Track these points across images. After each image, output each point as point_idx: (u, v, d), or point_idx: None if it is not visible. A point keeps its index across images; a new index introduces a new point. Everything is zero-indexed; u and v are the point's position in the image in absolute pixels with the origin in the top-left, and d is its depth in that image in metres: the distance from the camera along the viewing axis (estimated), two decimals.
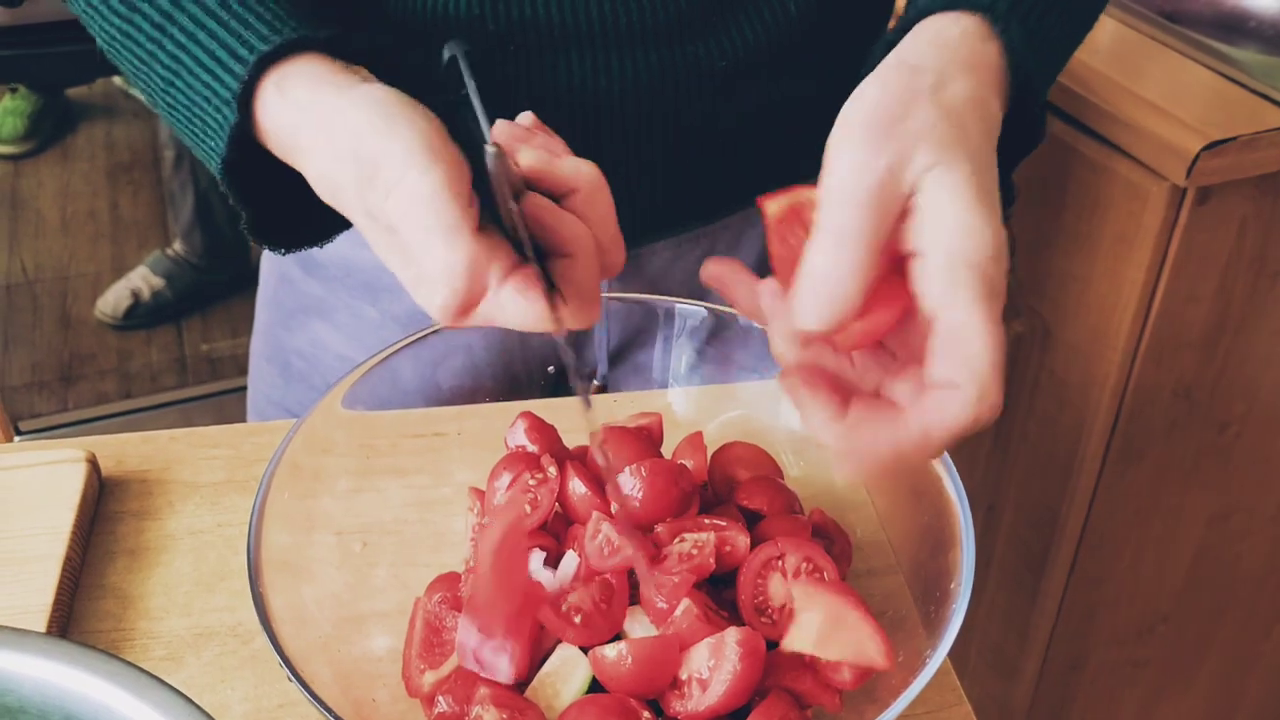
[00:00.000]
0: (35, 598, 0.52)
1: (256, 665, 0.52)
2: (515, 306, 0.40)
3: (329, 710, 0.40)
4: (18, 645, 0.38)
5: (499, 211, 0.41)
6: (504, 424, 0.57)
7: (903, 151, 0.38)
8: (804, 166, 0.54)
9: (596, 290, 0.43)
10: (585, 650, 0.45)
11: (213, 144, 0.46)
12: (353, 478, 0.61)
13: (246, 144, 0.46)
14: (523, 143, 0.43)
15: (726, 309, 0.56)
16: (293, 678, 0.41)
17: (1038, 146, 0.53)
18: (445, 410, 0.61)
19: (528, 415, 0.54)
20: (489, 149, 0.39)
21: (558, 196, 0.42)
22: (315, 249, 0.55)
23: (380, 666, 0.52)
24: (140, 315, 1.97)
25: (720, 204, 0.68)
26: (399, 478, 0.62)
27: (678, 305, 0.58)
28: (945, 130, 0.39)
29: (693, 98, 0.59)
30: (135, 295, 1.97)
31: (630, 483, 0.48)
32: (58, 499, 0.57)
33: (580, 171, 0.42)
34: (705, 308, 0.56)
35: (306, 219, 0.52)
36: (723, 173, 0.65)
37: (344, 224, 0.47)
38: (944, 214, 0.38)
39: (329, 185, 0.43)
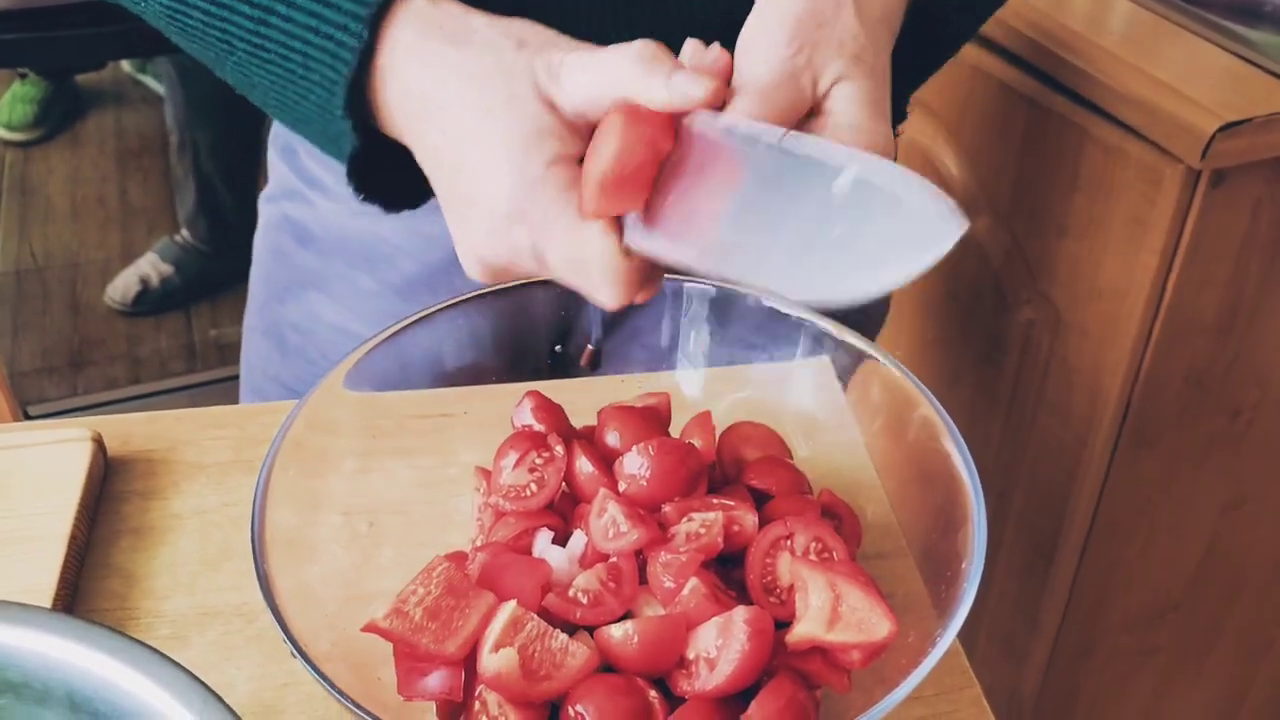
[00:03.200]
0: (41, 576, 0.52)
1: (261, 644, 0.52)
2: None
3: (334, 687, 0.40)
4: (21, 620, 0.38)
5: None
6: (510, 404, 0.56)
7: (820, 56, 0.43)
8: None
9: None
10: (592, 630, 0.45)
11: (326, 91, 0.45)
12: (358, 458, 0.61)
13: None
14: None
15: (737, 287, 0.56)
16: (297, 655, 0.41)
17: (938, 69, 0.60)
18: (451, 390, 0.61)
19: (534, 394, 0.53)
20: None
21: None
22: (310, 221, 0.54)
23: (387, 645, 0.52)
24: (149, 301, 1.97)
25: None
26: (405, 458, 0.61)
27: (685, 284, 0.57)
28: (860, 44, 0.44)
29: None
30: (144, 282, 1.97)
31: (638, 461, 0.48)
32: (63, 478, 0.57)
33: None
34: (715, 286, 0.56)
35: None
36: None
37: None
38: (846, 119, 0.43)
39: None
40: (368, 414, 0.58)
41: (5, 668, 0.37)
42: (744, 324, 0.57)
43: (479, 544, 0.51)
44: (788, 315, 0.54)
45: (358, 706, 0.40)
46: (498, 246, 0.44)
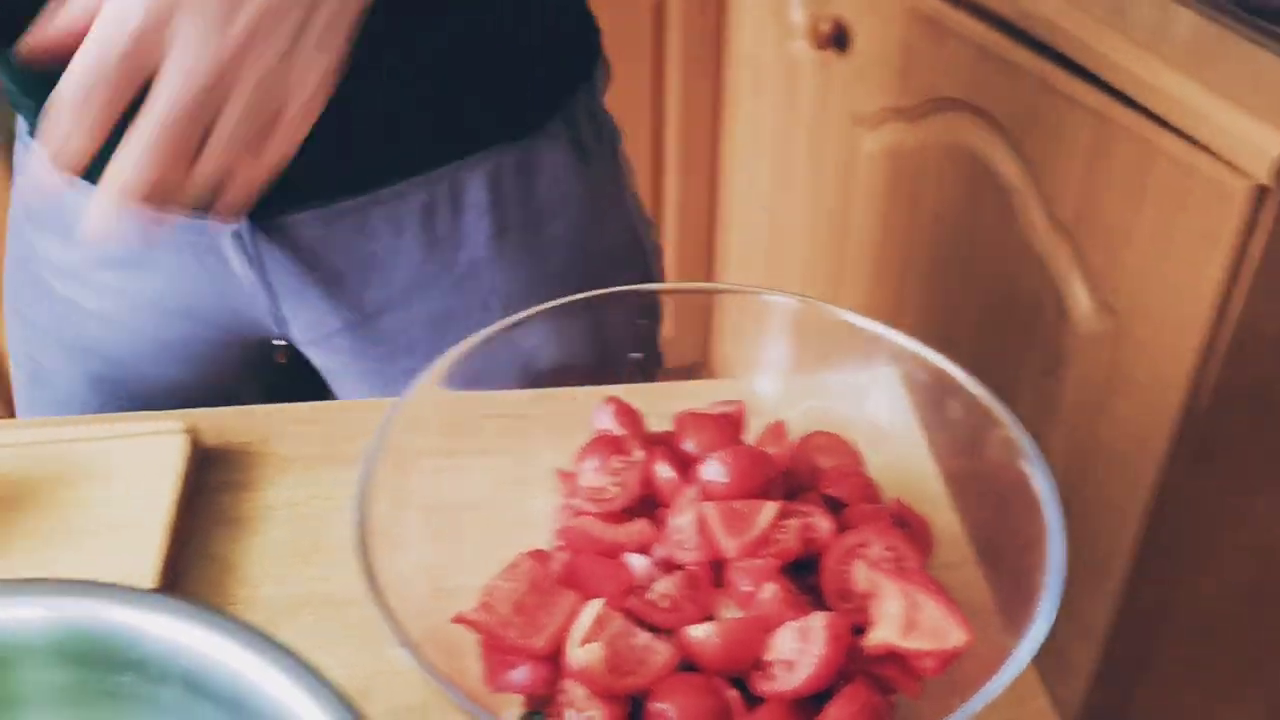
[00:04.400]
0: (143, 561, 0.55)
1: (350, 633, 0.54)
2: None
3: (438, 676, 0.42)
4: (140, 603, 0.40)
5: None
6: (588, 408, 0.58)
7: None
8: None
9: None
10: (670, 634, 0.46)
11: None
12: (439, 456, 0.63)
13: None
14: None
15: (814, 300, 0.57)
16: (402, 645, 0.43)
17: None
18: (529, 393, 0.63)
19: (614, 400, 0.55)
20: None
21: None
22: None
23: (471, 637, 0.54)
24: None
25: (376, 174, 0.69)
26: (485, 457, 0.63)
27: (761, 294, 0.59)
28: None
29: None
30: None
31: (717, 468, 0.50)
32: (160, 468, 0.59)
33: None
34: (796, 299, 0.57)
35: None
36: (380, 137, 0.67)
37: None
38: None
39: None
40: (450, 412, 0.60)
41: (128, 647, 0.40)
42: (818, 336, 0.58)
43: (559, 544, 0.53)
44: (862, 329, 0.56)
45: (462, 695, 0.41)
46: None
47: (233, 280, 0.72)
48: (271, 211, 0.68)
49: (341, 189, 0.69)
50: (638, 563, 0.49)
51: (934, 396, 0.54)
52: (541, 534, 0.58)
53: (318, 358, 0.77)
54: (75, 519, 0.57)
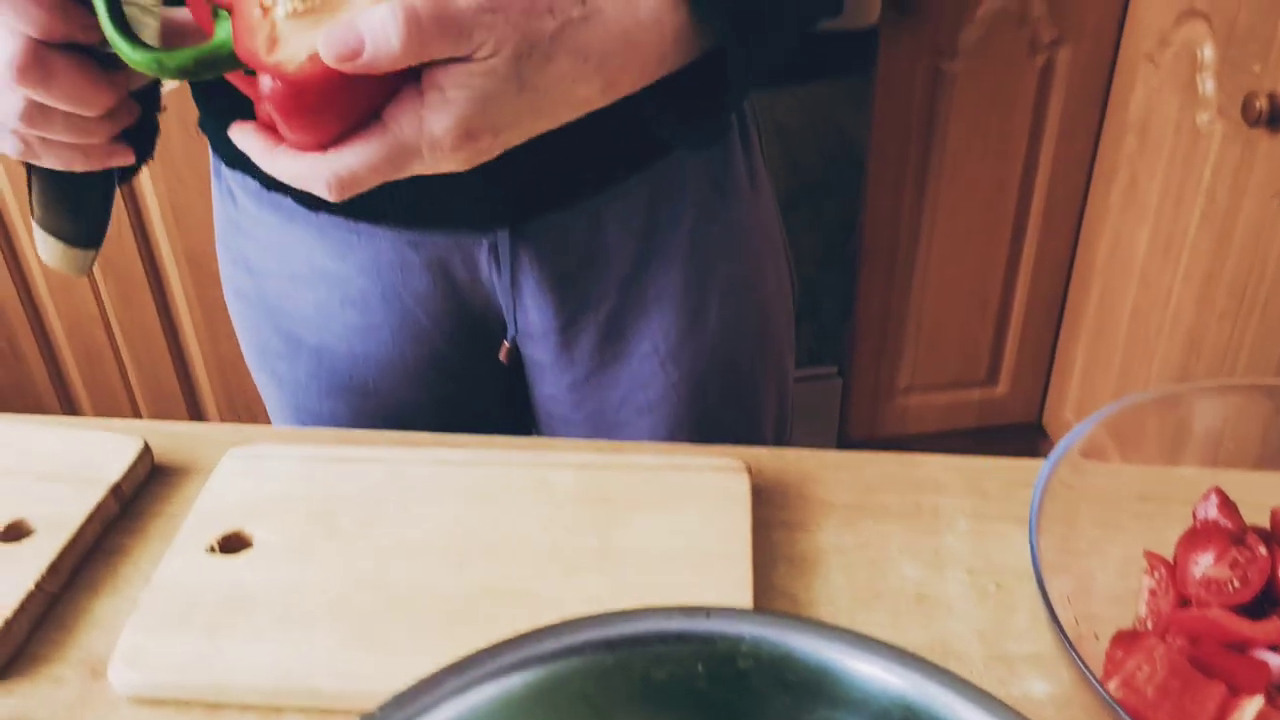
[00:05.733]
0: (736, 591, 0.58)
1: None
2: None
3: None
4: (850, 644, 0.43)
5: None
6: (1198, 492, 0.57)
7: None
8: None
9: None
10: None
11: None
12: (970, 519, 0.65)
13: None
14: None
15: None
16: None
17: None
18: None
19: (1218, 491, 0.55)
20: None
21: None
22: None
23: (1041, 710, 0.55)
24: None
25: (612, 172, 0.73)
26: (1020, 525, 0.64)
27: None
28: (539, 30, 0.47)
29: None
30: None
31: None
32: (727, 501, 0.63)
33: None
34: None
35: None
36: (623, 137, 0.70)
37: None
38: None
39: None
40: (974, 475, 0.61)
41: (848, 688, 0.43)
42: None
43: (1151, 627, 0.53)
44: None
45: None
46: None
47: (478, 287, 0.78)
48: (527, 215, 0.74)
49: (584, 189, 0.74)
50: (1274, 660, 0.49)
51: None
52: (1102, 608, 0.59)
53: (535, 352, 0.82)
54: (650, 542, 0.61)
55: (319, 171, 0.47)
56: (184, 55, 0.47)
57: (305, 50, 0.45)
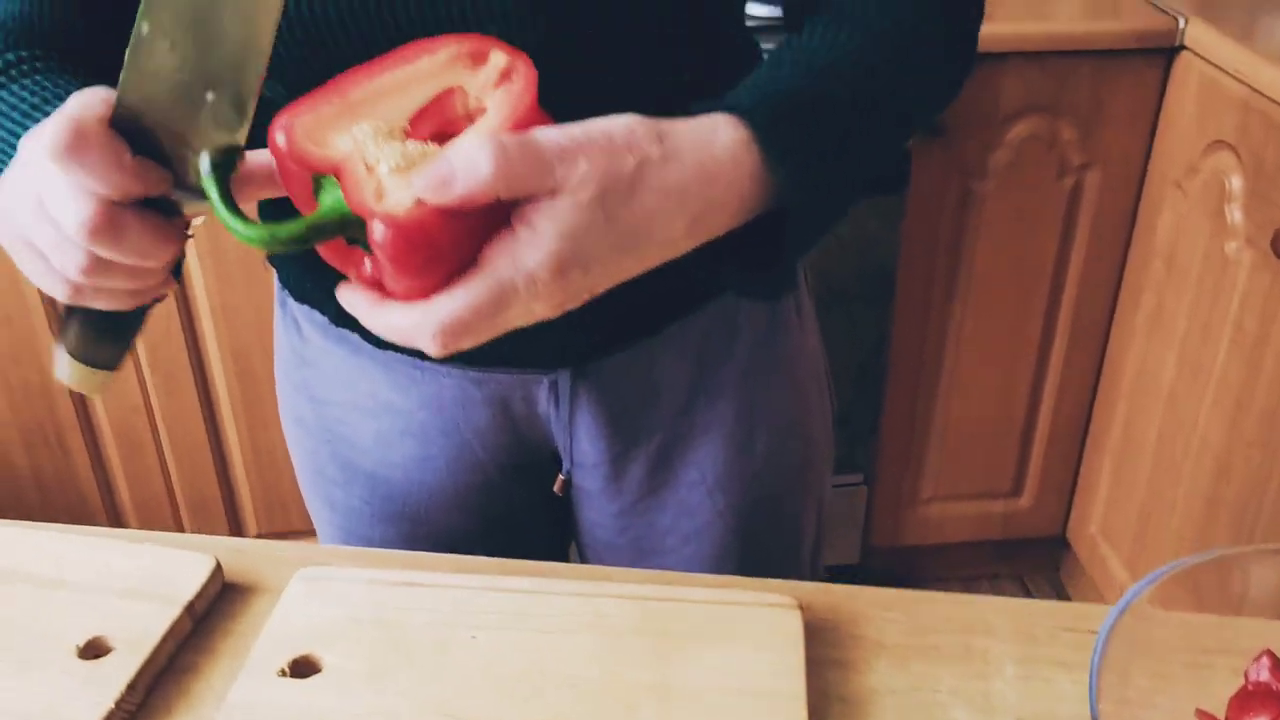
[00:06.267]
0: None
1: None
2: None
3: None
4: None
5: None
6: None
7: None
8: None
9: None
10: None
11: None
12: (1018, 664, 0.66)
13: None
14: None
15: None
16: None
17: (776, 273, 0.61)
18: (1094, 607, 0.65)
19: (1270, 654, 0.57)
20: None
21: None
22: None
23: None
24: None
25: (670, 314, 0.77)
26: (1067, 671, 0.66)
27: None
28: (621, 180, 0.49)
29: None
30: None
31: None
32: (780, 639, 0.65)
33: None
34: None
35: None
36: (678, 283, 0.73)
37: None
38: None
39: None
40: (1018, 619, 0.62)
41: None
42: None
43: None
44: None
45: None
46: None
47: (535, 421, 0.80)
48: (591, 356, 0.77)
49: (642, 331, 0.78)
50: None
51: None
52: None
53: (584, 480, 0.84)
54: (706, 680, 0.63)
55: (426, 322, 0.49)
56: (295, 226, 0.50)
57: (410, 198, 0.48)
